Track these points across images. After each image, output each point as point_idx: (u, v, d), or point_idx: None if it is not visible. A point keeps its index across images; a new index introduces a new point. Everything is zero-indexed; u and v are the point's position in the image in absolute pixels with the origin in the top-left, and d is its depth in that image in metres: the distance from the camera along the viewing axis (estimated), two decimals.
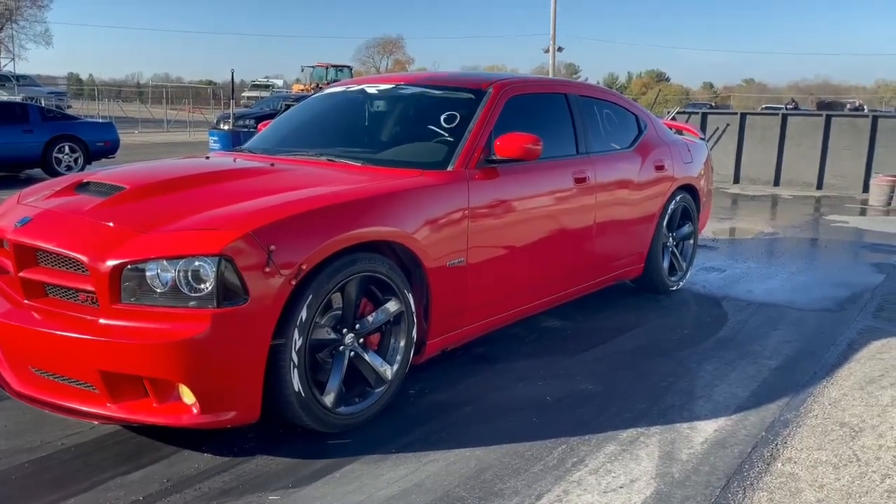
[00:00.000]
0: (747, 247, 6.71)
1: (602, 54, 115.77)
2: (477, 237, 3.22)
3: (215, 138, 12.59)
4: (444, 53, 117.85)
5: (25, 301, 2.61)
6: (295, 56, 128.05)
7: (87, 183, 2.97)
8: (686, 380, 3.37)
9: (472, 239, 3.20)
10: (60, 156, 11.16)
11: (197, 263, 2.34)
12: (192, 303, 2.35)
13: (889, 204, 9.64)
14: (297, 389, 2.52)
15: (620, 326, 4.19)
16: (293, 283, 2.46)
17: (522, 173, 3.54)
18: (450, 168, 3.24)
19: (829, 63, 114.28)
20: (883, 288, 5.20)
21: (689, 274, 5.17)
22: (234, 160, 3.49)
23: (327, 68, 29.27)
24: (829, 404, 3.10)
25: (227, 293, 2.35)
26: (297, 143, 3.82)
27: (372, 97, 3.99)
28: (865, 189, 10.37)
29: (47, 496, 2.28)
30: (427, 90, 3.81)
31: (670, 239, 4.95)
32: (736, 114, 12.06)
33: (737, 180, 11.61)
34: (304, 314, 2.50)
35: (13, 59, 28.45)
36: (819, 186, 11.03)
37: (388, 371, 2.88)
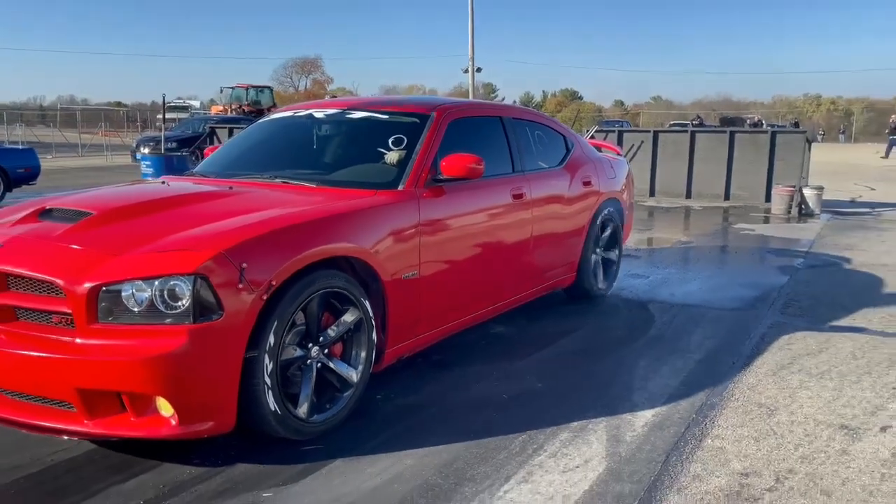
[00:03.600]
0: (666, 254, 7.21)
1: (518, 74, 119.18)
2: (428, 251, 3.45)
3: (148, 163, 12.34)
4: (362, 73, 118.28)
5: None
6: (209, 78, 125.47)
7: (50, 210, 3.03)
8: (624, 374, 3.71)
9: (424, 253, 3.42)
10: None
11: (173, 282, 2.47)
12: (168, 320, 2.47)
13: (789, 212, 10.48)
14: (272, 409, 2.67)
15: (562, 330, 4.52)
16: (264, 297, 2.61)
17: (467, 190, 3.80)
18: (400, 187, 3.46)
19: (730, 80, 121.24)
20: (787, 287, 5.74)
21: (616, 281, 5.56)
22: (192, 184, 3.60)
23: (247, 89, 28.87)
24: (748, 389, 3.49)
25: (202, 309, 2.48)
26: (249, 166, 3.96)
27: (320, 121, 4.18)
28: (768, 199, 11.21)
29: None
30: (374, 114, 4.03)
31: (598, 249, 5.32)
32: (649, 131, 12.81)
33: (652, 193, 12.31)
34: (271, 338, 2.65)
35: None
36: (727, 197, 11.84)
37: (354, 375, 3.05)
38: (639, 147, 12.24)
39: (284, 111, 4.56)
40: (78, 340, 2.49)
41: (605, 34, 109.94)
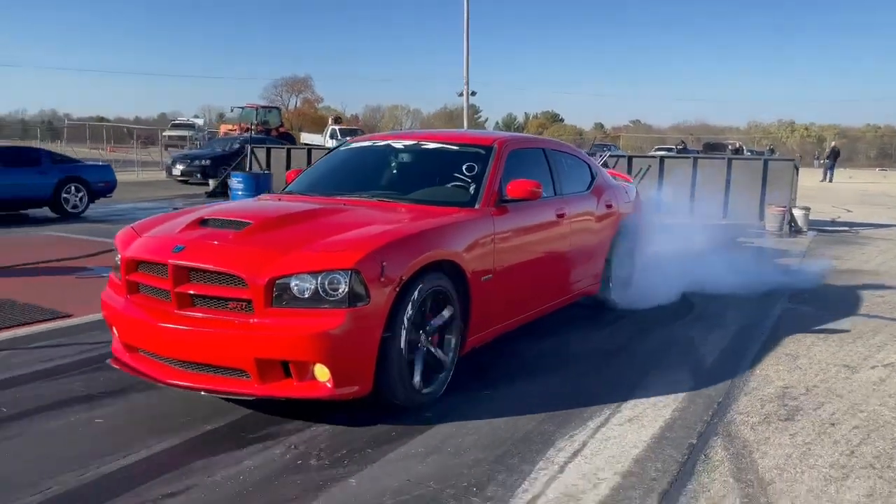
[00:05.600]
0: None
1: (500, 96, 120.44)
2: (500, 258, 4.27)
3: (239, 179, 12.92)
4: (350, 92, 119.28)
5: (177, 311, 3.43)
6: (199, 95, 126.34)
7: (207, 220, 3.82)
8: (684, 342, 5.12)
9: (497, 259, 4.24)
10: (68, 196, 12.05)
11: (333, 275, 3.27)
12: (327, 305, 3.27)
13: (781, 229, 11.52)
14: (399, 379, 3.48)
15: (609, 322, 5.42)
16: (396, 290, 3.42)
17: (525, 210, 4.63)
18: (477, 206, 4.29)
19: (706, 106, 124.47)
20: (790, 284, 7.18)
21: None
22: (305, 202, 4.40)
23: (257, 109, 29.79)
24: (776, 345, 5.04)
25: (355, 297, 3.28)
26: (340, 187, 4.76)
27: (398, 150, 5.01)
28: (761, 218, 12.17)
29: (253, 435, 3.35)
30: (446, 145, 4.87)
31: (616, 258, 6.15)
32: (656, 157, 13.84)
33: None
34: (402, 322, 3.46)
35: None
36: (725, 216, 12.77)
37: (447, 359, 3.85)
38: (646, 171, 13.16)
39: (363, 141, 5.38)
40: (254, 321, 3.28)
41: (584, 57, 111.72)
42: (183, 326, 3.36)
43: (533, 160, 5.18)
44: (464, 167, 4.59)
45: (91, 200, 12.46)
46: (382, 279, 3.35)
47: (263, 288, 3.27)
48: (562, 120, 78.63)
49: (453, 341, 3.92)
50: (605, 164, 11.96)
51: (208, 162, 18.32)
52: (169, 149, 32.02)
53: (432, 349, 3.77)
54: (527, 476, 2.97)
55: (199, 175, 18.26)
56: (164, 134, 38.32)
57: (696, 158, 13.38)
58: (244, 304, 3.34)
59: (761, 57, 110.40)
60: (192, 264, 3.43)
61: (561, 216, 5.08)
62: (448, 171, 4.64)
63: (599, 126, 74.70)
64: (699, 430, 3.48)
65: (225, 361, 3.34)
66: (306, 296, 3.28)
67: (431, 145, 4.93)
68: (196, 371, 3.41)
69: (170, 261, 3.47)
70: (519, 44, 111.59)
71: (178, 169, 18.64)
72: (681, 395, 3.97)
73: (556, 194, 5.21)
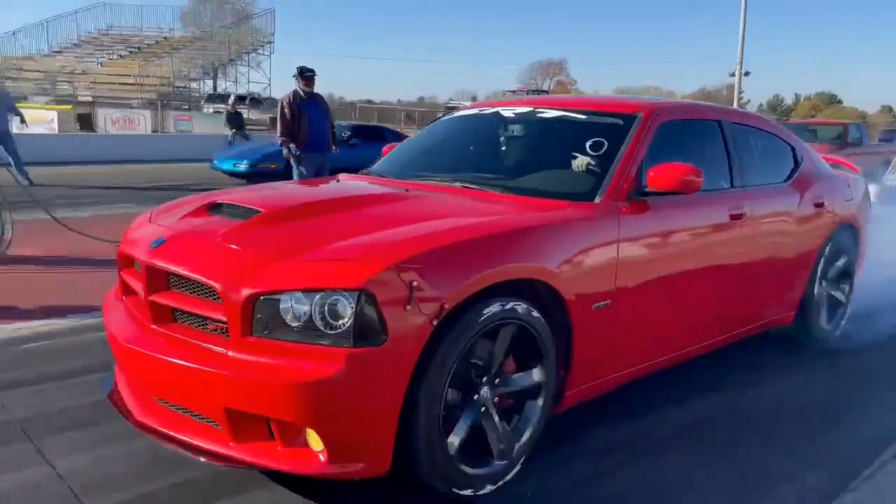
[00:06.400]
0: None
1: (766, 74, 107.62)
2: (625, 277, 2.89)
3: None
4: (608, 77, 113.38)
5: (152, 326, 2.50)
6: (456, 80, 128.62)
7: (220, 204, 2.87)
8: None
9: (621, 279, 2.87)
10: None
11: (334, 297, 2.15)
12: (325, 340, 2.15)
13: None
14: (431, 454, 2.27)
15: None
16: (434, 323, 2.21)
17: (676, 207, 3.18)
18: (597, 200, 2.93)
19: None
20: None
21: (844, 321, 4.60)
22: (366, 184, 3.33)
23: (527, 92, 30.46)
24: None
25: (364, 331, 2.13)
26: (427, 167, 3.62)
27: (507, 121, 3.75)
28: None
29: None
30: (569, 114, 3.53)
31: (825, 282, 4.41)
32: None
33: None
34: (439, 372, 2.25)
35: (234, 82, 31.84)
36: None
37: (521, 439, 2.58)
38: None
39: (471, 108, 4.19)
40: (231, 353, 2.25)
41: (873, 32, 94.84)
42: (144, 350, 2.42)
43: (699, 137, 3.67)
44: (589, 144, 3.23)
45: None
46: (409, 307, 2.16)
47: (241, 307, 2.22)
48: (839, 102, 69.04)
49: (538, 406, 2.63)
50: None
51: None
52: None
53: (495, 419, 2.50)
54: None
55: None
56: (438, 116, 39.94)
57: None
58: (223, 326, 2.33)
59: None
60: (165, 265, 2.48)
61: (738, 217, 3.53)
62: (568, 149, 3.30)
63: (888, 109, 64.35)
64: None
65: (194, 406, 2.35)
66: (298, 324, 2.19)
67: (550, 113, 3.60)
68: (172, 410, 2.47)
69: (144, 258, 2.55)
70: (793, 17, 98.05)
71: None
72: None
73: (732, 186, 3.66)
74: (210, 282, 2.30)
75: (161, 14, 34.24)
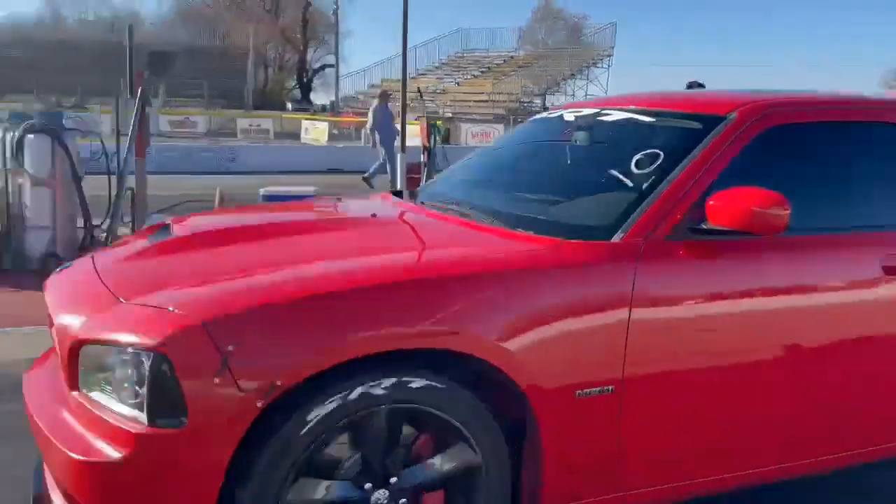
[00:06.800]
0: None
1: None
2: (645, 353, 1.96)
3: None
4: None
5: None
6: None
7: (164, 227, 2.53)
8: None
9: (634, 356, 1.94)
10: None
11: (138, 357, 1.64)
12: (125, 410, 1.66)
13: None
14: None
15: None
16: (260, 404, 1.60)
17: (777, 252, 2.13)
18: (617, 237, 2.03)
19: None
20: None
21: None
22: (357, 206, 2.77)
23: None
24: None
25: (160, 406, 1.60)
26: (472, 187, 2.89)
27: (567, 126, 2.89)
28: None
29: None
30: (635, 115, 2.59)
31: None
32: None
33: None
34: (266, 473, 1.62)
35: (571, 95, 34.92)
36: None
37: None
38: None
39: (553, 111, 3.36)
40: (63, 412, 1.85)
41: None
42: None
43: (836, 150, 2.48)
44: (636, 158, 2.30)
45: None
46: (219, 379, 1.58)
47: (67, 354, 1.82)
48: None
49: None
50: None
51: None
52: None
53: None
54: None
55: None
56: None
57: None
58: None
59: None
60: (49, 298, 2.16)
61: (893, 271, 2.30)
62: (612, 164, 2.38)
63: None
64: None
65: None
66: (111, 385, 1.72)
67: (615, 116, 2.67)
68: None
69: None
70: None
71: None
72: None
73: (879, 225, 2.41)
74: (63, 321, 1.93)
75: (507, 36, 37.18)
